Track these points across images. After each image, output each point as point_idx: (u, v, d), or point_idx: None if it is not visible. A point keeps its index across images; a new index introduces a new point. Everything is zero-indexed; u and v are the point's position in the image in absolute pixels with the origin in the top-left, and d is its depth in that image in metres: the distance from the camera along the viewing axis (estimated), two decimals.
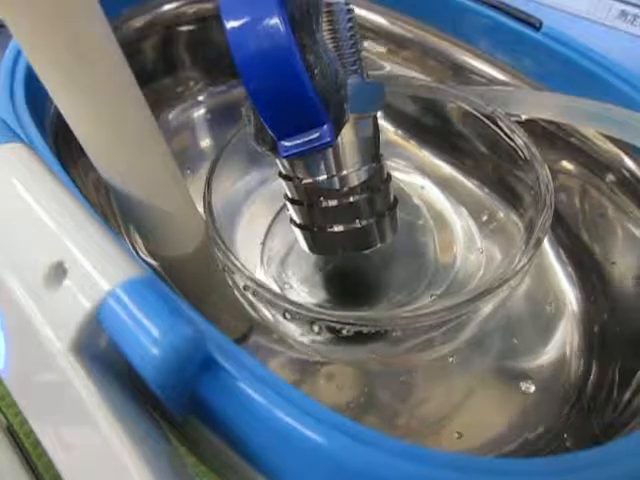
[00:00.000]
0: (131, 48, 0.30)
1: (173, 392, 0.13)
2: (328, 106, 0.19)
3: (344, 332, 0.22)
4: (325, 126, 0.19)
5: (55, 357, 0.13)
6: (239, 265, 0.21)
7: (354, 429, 0.13)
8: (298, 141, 0.20)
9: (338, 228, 0.22)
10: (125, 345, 0.12)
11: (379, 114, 0.23)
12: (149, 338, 0.12)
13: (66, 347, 0.13)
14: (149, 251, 0.22)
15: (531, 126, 0.27)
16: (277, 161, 0.23)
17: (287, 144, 0.20)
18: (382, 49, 0.32)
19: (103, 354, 0.14)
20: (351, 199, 0.22)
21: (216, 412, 0.14)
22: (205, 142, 0.33)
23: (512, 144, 0.24)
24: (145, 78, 0.31)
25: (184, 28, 0.32)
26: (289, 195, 0.23)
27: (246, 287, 0.21)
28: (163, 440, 0.15)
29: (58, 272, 0.13)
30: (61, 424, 0.13)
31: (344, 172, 0.22)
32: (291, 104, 0.19)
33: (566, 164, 0.27)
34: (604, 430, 0.21)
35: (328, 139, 0.19)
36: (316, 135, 0.19)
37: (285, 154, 0.20)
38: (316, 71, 0.19)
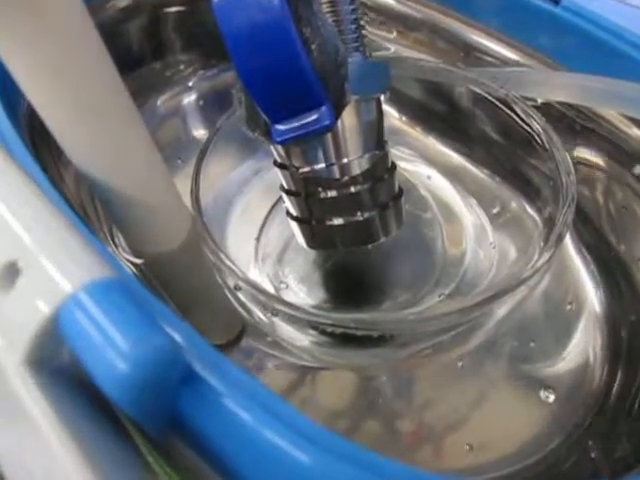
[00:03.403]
0: (115, 30, 0.28)
1: (146, 412, 0.11)
2: (327, 86, 0.18)
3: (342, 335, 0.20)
4: (323, 108, 0.18)
5: (6, 371, 0.11)
6: (229, 264, 0.19)
7: (351, 451, 0.11)
8: (294, 124, 0.18)
9: (338, 221, 0.21)
10: (87, 358, 0.11)
11: (382, 97, 0.22)
12: (115, 351, 0.10)
13: (19, 359, 0.11)
14: (132, 248, 0.20)
15: (548, 111, 0.25)
16: (272, 148, 0.21)
17: (282, 128, 0.18)
18: (389, 32, 0.30)
19: (65, 369, 0.12)
20: (352, 189, 0.20)
21: (198, 432, 0.13)
22: (197, 130, 0.31)
23: (528, 129, 0.22)
24: (131, 62, 0.30)
25: (172, 9, 0.30)
26: (285, 186, 0.22)
27: (237, 287, 0.19)
28: (138, 468, 0.13)
29: (10, 272, 0.11)
30: (16, 447, 0.12)
31: (345, 160, 0.20)
32: (286, 83, 0.17)
33: (587, 152, 0.25)
34: (630, 443, 0.19)
35: (327, 122, 0.18)
36: (314, 118, 0.18)
37: (280, 139, 0.18)
38: (313, 46, 0.18)
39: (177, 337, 0.13)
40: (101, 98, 0.15)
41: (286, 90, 0.17)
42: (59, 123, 0.15)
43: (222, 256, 0.19)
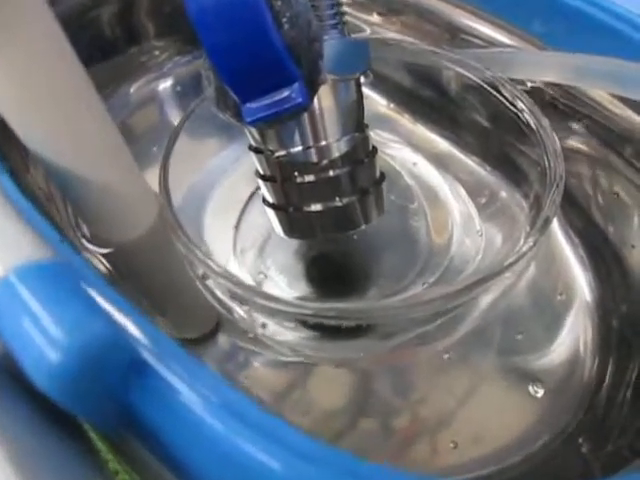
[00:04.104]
0: (87, 16, 0.27)
1: (85, 405, 0.10)
2: (299, 62, 0.17)
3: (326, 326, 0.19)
4: (296, 85, 0.17)
5: None
6: (198, 253, 0.18)
7: (322, 453, 0.10)
8: (265, 103, 0.17)
9: (316, 207, 0.20)
10: (16, 347, 0.10)
11: (369, 85, 0.21)
12: (46, 338, 0.09)
13: None
14: (99, 238, 0.19)
15: (538, 96, 0.24)
16: (246, 131, 0.20)
17: (252, 107, 0.17)
18: (370, 14, 0.29)
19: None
20: (331, 174, 0.19)
21: (151, 429, 0.11)
22: (174, 117, 0.30)
23: (515, 111, 0.21)
24: (104, 49, 0.28)
25: None
26: (261, 171, 0.21)
27: (204, 276, 0.18)
28: (89, 466, 0.12)
29: None
30: None
31: (323, 143, 0.19)
32: (255, 59, 0.16)
33: (577, 136, 0.24)
34: (623, 438, 0.18)
35: (300, 100, 0.17)
36: (285, 95, 0.17)
37: (250, 119, 0.17)
38: (284, 19, 0.17)
39: (129, 325, 0.12)
40: (57, 82, 0.14)
41: (255, 66, 0.16)
42: (12, 107, 0.14)
43: (191, 246, 0.18)
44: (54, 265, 0.11)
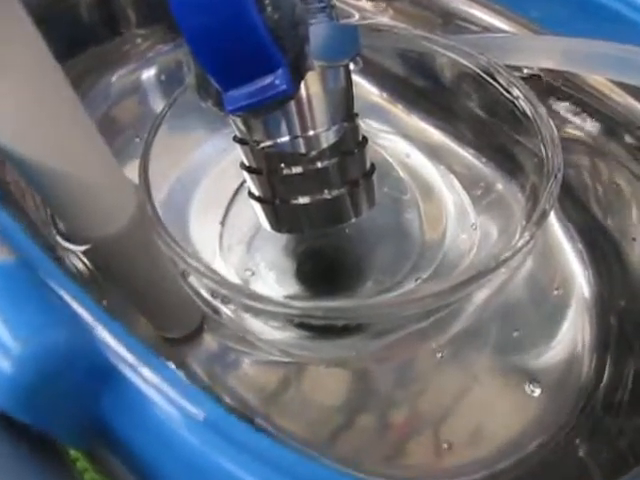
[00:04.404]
0: (66, 5, 0.26)
1: (44, 419, 0.10)
2: (283, 47, 0.16)
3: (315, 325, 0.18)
4: (280, 71, 0.16)
5: None
6: (180, 250, 0.17)
7: (302, 468, 0.10)
8: (247, 90, 0.16)
9: (304, 200, 0.19)
10: None
11: (360, 72, 0.20)
12: None
13: None
14: (76, 235, 0.18)
15: (535, 84, 0.23)
16: (231, 121, 0.19)
17: (234, 95, 0.16)
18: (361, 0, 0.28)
19: None
20: (319, 165, 0.19)
21: (124, 442, 0.11)
22: (159, 106, 0.29)
23: (511, 99, 0.20)
24: (85, 38, 0.27)
25: None
26: (246, 163, 0.20)
27: (185, 273, 0.17)
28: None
29: None
30: None
31: (310, 132, 0.18)
32: (235, 44, 0.15)
33: (576, 125, 0.23)
34: (622, 440, 0.17)
35: (284, 87, 0.16)
36: (269, 82, 0.16)
37: (232, 108, 0.16)
38: (267, 1, 0.16)
39: (98, 330, 0.11)
40: (30, 78, 0.13)
41: (236, 52, 0.15)
42: None
43: (172, 243, 0.17)
44: (13, 266, 0.10)
